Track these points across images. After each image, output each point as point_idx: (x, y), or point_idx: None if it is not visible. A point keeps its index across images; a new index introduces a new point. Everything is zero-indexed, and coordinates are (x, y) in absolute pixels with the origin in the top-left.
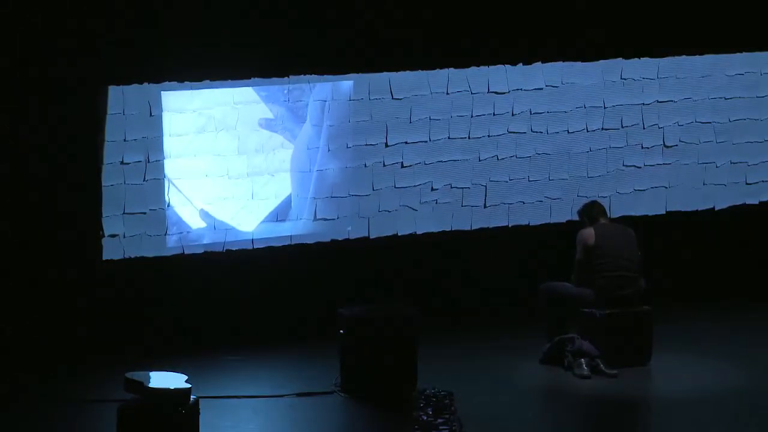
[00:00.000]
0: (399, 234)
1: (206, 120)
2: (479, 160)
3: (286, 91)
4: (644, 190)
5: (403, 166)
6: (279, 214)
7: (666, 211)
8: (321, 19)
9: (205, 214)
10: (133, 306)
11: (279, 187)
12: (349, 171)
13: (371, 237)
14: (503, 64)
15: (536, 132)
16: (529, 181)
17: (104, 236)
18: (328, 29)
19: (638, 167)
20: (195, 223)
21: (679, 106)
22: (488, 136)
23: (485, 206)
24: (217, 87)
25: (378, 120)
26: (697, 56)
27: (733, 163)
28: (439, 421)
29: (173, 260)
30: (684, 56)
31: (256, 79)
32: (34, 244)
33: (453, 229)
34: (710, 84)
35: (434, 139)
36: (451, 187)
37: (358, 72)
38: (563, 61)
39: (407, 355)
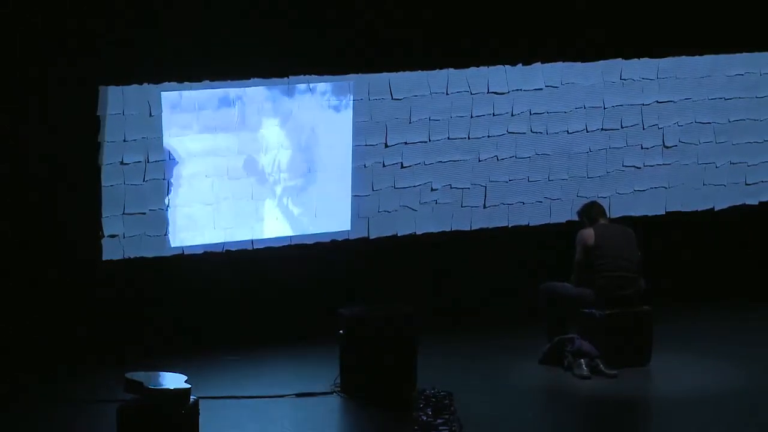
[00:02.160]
0: (399, 234)
1: (206, 120)
2: (479, 161)
3: (290, 91)
4: (644, 190)
5: (402, 167)
6: (279, 215)
7: (665, 212)
8: (321, 19)
9: (205, 218)
10: (133, 306)
11: (278, 187)
12: (348, 171)
13: (371, 237)
14: (503, 64)
15: (536, 132)
16: (528, 181)
17: (104, 236)
18: (328, 29)
19: (638, 167)
20: (195, 224)
21: (679, 106)
22: (488, 136)
23: (485, 207)
24: (217, 87)
25: (378, 120)
26: (696, 56)
27: (733, 163)
28: (439, 421)
29: (173, 260)
30: (684, 56)
31: (256, 79)
32: (34, 244)
33: (453, 230)
34: (710, 84)
35: (434, 139)
36: (451, 188)
37: (358, 72)
38: (563, 62)
39: (407, 355)
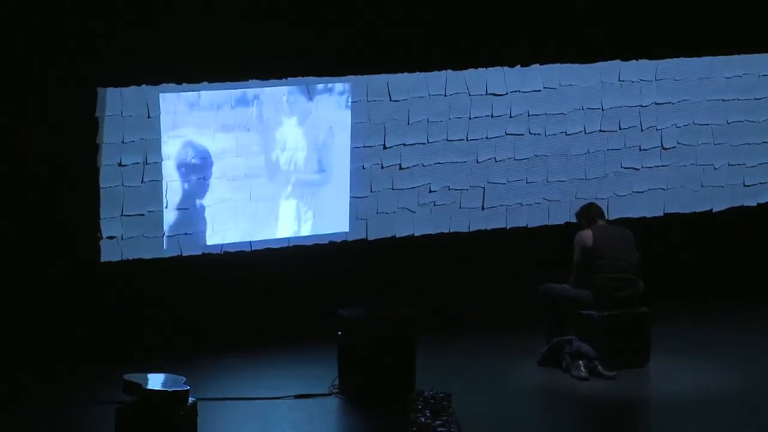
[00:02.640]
0: (397, 236)
1: (205, 121)
2: (477, 162)
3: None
4: (642, 191)
5: (401, 168)
6: (278, 216)
7: (664, 213)
8: (320, 21)
9: (202, 217)
10: (132, 307)
11: (277, 188)
12: (347, 173)
13: (369, 239)
14: (501, 66)
15: (534, 134)
16: (527, 182)
17: (102, 238)
18: (326, 30)
19: (636, 169)
20: (192, 225)
21: (677, 107)
22: (486, 137)
23: (483, 208)
24: (215, 89)
25: (376, 122)
26: (695, 58)
27: (731, 165)
28: (438, 423)
29: (171, 262)
30: (682, 58)
31: (255, 80)
32: (34, 244)
33: (451, 231)
34: (708, 86)
35: (432, 140)
36: (449, 189)
37: (356, 73)
38: (561, 63)
39: (406, 356)
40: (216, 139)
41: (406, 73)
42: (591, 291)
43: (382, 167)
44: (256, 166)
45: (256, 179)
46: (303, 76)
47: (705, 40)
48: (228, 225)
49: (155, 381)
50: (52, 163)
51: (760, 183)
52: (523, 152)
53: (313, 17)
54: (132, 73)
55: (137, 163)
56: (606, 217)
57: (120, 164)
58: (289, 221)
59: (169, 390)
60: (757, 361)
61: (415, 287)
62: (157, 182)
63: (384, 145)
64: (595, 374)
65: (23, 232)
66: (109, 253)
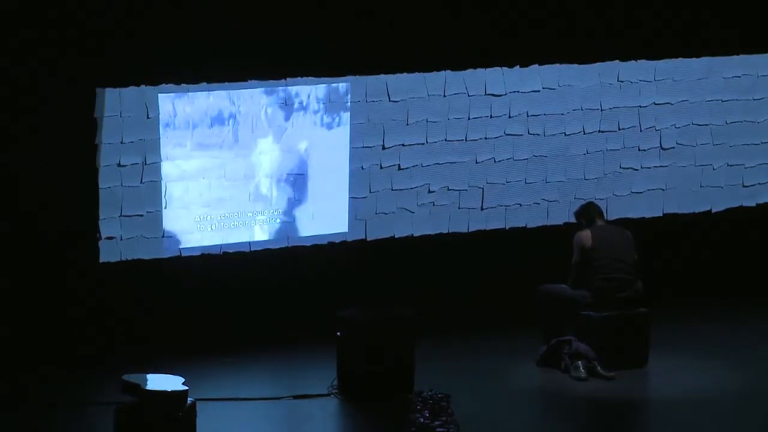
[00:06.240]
0: (396, 236)
1: (203, 122)
2: (476, 163)
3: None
4: (641, 192)
5: (400, 169)
6: (276, 216)
7: (663, 214)
8: (319, 21)
9: (202, 217)
10: (131, 308)
11: (275, 189)
12: (346, 173)
13: (368, 239)
14: (500, 66)
15: (533, 134)
16: (526, 183)
17: (101, 238)
18: (325, 31)
19: (635, 169)
20: (192, 225)
21: (676, 108)
22: (485, 138)
23: (482, 208)
24: (214, 89)
25: (375, 122)
26: (693, 58)
27: (730, 165)
28: (436, 423)
29: (170, 262)
30: (681, 58)
31: (253, 81)
32: (32, 245)
33: (450, 232)
34: (707, 86)
35: (431, 141)
36: (448, 189)
37: (355, 74)
38: (560, 63)
39: (405, 357)
40: (214, 139)
41: (405, 74)
42: (590, 291)
43: (381, 167)
44: (255, 166)
45: (254, 180)
46: (302, 77)
47: (704, 40)
48: (225, 225)
49: (154, 381)
50: (51, 163)
51: (759, 183)
52: (522, 152)
53: (312, 18)
54: (131, 74)
55: (136, 164)
56: (605, 218)
57: (119, 165)
58: (288, 221)
59: (168, 390)
60: (755, 361)
61: (415, 287)
62: (155, 182)
63: (383, 145)
64: (594, 375)
65: (22, 232)
66: (108, 254)
